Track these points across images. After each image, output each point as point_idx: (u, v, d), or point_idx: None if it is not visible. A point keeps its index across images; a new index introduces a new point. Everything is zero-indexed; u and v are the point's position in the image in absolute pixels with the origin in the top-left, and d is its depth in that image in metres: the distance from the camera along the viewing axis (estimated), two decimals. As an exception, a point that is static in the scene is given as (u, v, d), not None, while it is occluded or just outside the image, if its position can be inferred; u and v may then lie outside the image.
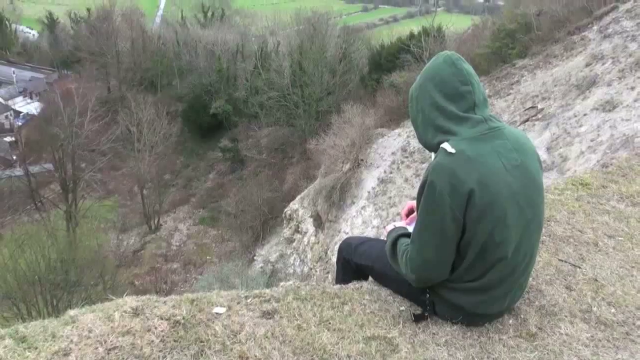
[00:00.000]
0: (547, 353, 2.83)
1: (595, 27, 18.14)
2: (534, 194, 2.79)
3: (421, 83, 2.84)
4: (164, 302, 2.93)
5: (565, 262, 3.63)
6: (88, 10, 62.54)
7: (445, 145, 2.66)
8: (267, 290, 3.17)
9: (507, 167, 2.68)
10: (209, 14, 66.87)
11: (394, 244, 3.00)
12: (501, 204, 2.65)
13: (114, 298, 2.95)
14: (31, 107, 58.82)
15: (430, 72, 2.81)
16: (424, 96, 2.81)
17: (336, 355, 2.69)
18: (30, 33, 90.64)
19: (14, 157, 47.51)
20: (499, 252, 2.71)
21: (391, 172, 21.44)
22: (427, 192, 2.68)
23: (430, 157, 2.84)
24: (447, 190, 2.60)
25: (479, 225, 2.65)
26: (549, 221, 4.14)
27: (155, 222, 38.47)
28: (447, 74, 2.74)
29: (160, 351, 2.54)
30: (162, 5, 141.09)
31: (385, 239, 3.21)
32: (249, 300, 3.03)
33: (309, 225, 25.12)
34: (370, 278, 3.41)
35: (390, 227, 3.19)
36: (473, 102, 2.72)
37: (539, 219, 2.87)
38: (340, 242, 3.63)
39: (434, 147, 2.77)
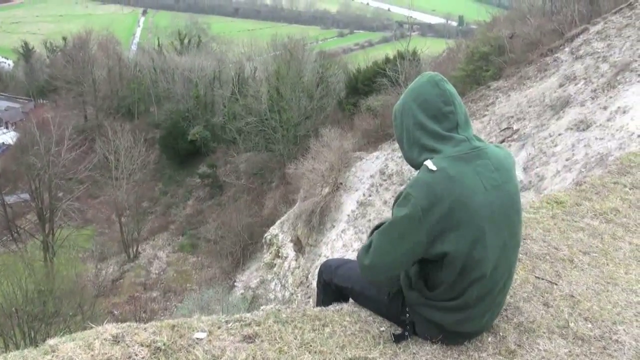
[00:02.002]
0: (526, 369, 2.87)
1: (567, 49, 18.45)
2: (512, 214, 2.83)
3: (405, 102, 2.89)
4: (145, 328, 2.92)
5: (542, 279, 3.68)
6: (64, 39, 62.50)
7: (428, 163, 2.70)
8: (248, 315, 3.17)
9: (487, 187, 2.71)
10: (186, 41, 67.08)
11: (372, 233, 3.00)
12: (480, 223, 2.68)
13: (94, 326, 2.94)
14: (7, 136, 58.34)
15: (414, 92, 2.85)
16: (407, 115, 2.86)
17: (318, 377, 2.69)
18: (5, 63, 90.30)
19: (-10, 188, 46.94)
20: (478, 271, 2.74)
21: (370, 195, 21.50)
22: (401, 201, 2.72)
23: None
24: (422, 205, 2.63)
25: (458, 244, 2.67)
26: (525, 239, 4.20)
27: (134, 250, 38.09)
28: (431, 95, 2.78)
29: (141, 378, 2.53)
30: (138, 33, 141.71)
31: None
32: (229, 325, 3.03)
33: (289, 250, 25.04)
34: (350, 300, 3.42)
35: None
36: (456, 122, 2.78)
37: (516, 238, 2.90)
38: (320, 264, 3.66)
39: (419, 165, 2.80)
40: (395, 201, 2.78)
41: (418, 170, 2.78)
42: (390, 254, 2.77)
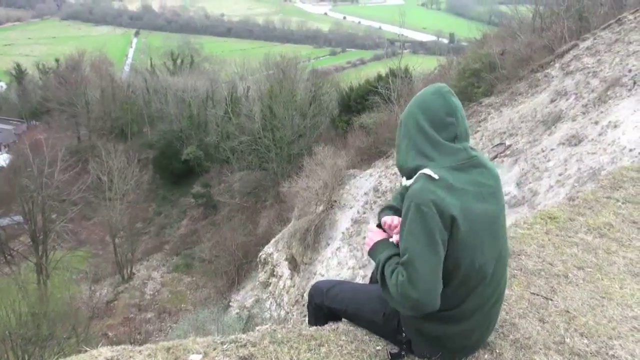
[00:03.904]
0: (523, 386, 2.86)
1: (557, 65, 18.57)
2: (503, 221, 2.91)
3: (410, 109, 2.95)
4: (139, 351, 2.91)
5: (537, 295, 3.69)
6: (57, 60, 62.51)
7: (427, 171, 2.74)
8: (243, 335, 3.16)
9: (485, 195, 2.78)
10: (178, 61, 67.22)
11: (384, 265, 2.88)
12: (479, 231, 2.73)
13: (88, 349, 2.92)
14: (0, 159, 58.13)
15: (420, 100, 2.93)
16: (411, 121, 2.91)
17: (314, 397, 2.68)
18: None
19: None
20: (477, 279, 2.78)
21: (364, 213, 21.48)
22: (413, 215, 2.69)
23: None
24: (433, 211, 2.64)
25: (461, 252, 2.71)
26: (519, 255, 4.21)
27: (128, 271, 37.88)
28: (435, 104, 2.85)
29: (136, 401, 2.52)
30: (130, 54, 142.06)
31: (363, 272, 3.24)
32: (225, 346, 3.02)
33: (284, 269, 24.95)
34: (343, 319, 3.42)
35: (374, 237, 3.09)
36: (455, 134, 2.84)
37: (507, 245, 2.97)
38: (310, 288, 3.64)
39: (410, 171, 2.85)
40: (404, 219, 2.75)
41: (406, 179, 2.82)
42: (432, 277, 2.67)
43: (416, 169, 2.80)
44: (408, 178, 2.85)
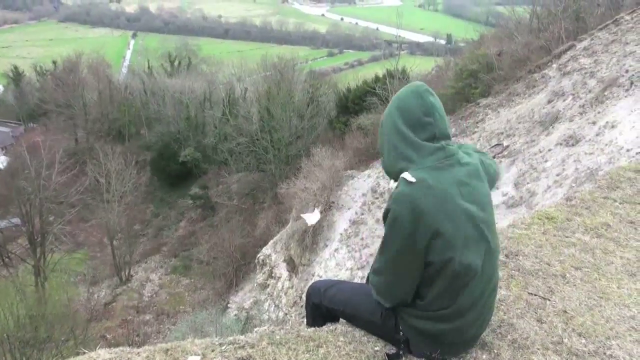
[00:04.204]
0: (521, 386, 2.86)
1: (554, 65, 18.60)
2: (489, 216, 2.89)
3: (389, 110, 2.97)
4: (138, 353, 2.91)
5: (535, 295, 3.69)
6: (54, 62, 62.49)
7: (406, 175, 2.75)
8: (242, 337, 3.16)
9: (464, 193, 2.77)
10: (176, 63, 67.31)
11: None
12: (462, 230, 2.73)
13: (86, 351, 2.92)
14: (-3, 161, 58.10)
15: (397, 100, 2.93)
16: (389, 122, 2.93)
17: (312, 398, 2.68)
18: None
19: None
20: (468, 276, 2.78)
21: (362, 214, 21.48)
22: (389, 220, 2.75)
23: (391, 188, 2.91)
24: (407, 219, 2.67)
25: (446, 252, 2.72)
26: (517, 255, 4.21)
27: (126, 273, 37.84)
28: (412, 105, 2.85)
29: (134, 403, 2.51)
30: (128, 56, 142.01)
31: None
32: (223, 348, 3.02)
33: (282, 270, 24.93)
34: (341, 319, 3.42)
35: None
36: (434, 134, 2.83)
37: (495, 241, 2.93)
38: (308, 287, 3.65)
39: (396, 175, 2.86)
40: (384, 218, 2.82)
41: (396, 183, 2.83)
42: (398, 280, 2.86)
43: (400, 171, 2.82)
44: (395, 180, 2.87)
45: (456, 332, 2.91)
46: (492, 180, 3.13)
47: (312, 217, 21.11)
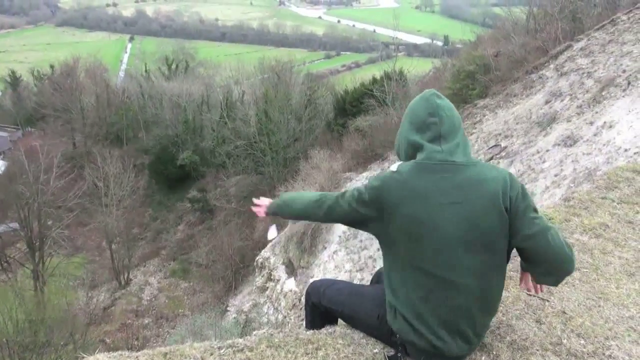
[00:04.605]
0: (521, 388, 2.86)
1: (552, 66, 18.61)
2: (474, 233, 2.77)
3: (402, 120, 3.06)
4: (137, 357, 2.90)
5: (534, 296, 3.69)
6: (51, 67, 62.41)
7: (392, 166, 2.86)
8: (240, 340, 3.15)
9: (443, 201, 2.74)
10: (173, 66, 67.25)
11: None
12: (418, 232, 2.74)
13: (85, 356, 2.91)
14: (-5, 166, 58.01)
15: (410, 105, 3.03)
16: (402, 125, 3.03)
17: (312, 401, 2.67)
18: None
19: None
20: (442, 287, 2.77)
21: (361, 216, 21.47)
22: (362, 185, 2.95)
23: None
24: (372, 192, 2.86)
25: (415, 250, 2.78)
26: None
27: (125, 277, 37.81)
28: (419, 107, 2.93)
29: (133, 407, 2.51)
30: (125, 60, 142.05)
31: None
32: (222, 351, 3.02)
33: (281, 273, 24.93)
34: (340, 321, 3.41)
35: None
36: (439, 133, 2.85)
37: (478, 259, 2.80)
38: (307, 286, 3.65)
39: None
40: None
41: None
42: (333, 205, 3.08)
43: None
44: None
45: (442, 347, 2.84)
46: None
47: (270, 233, 21.66)
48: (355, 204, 2.90)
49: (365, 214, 2.87)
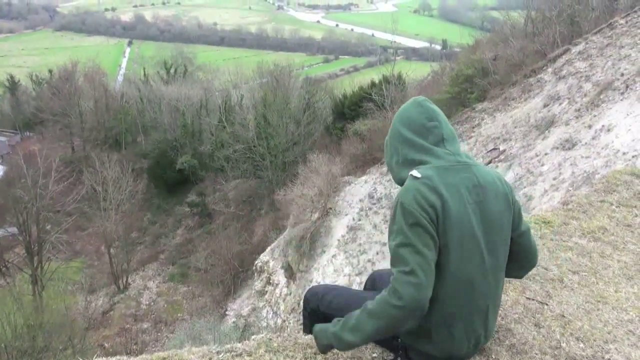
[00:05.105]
0: (520, 391, 2.85)
1: (550, 69, 18.66)
2: (493, 234, 2.81)
3: (392, 127, 3.00)
4: (134, 362, 2.90)
5: (533, 299, 3.69)
6: (50, 71, 62.43)
7: (413, 172, 2.77)
8: (239, 344, 3.14)
9: (469, 200, 2.75)
10: (172, 70, 67.29)
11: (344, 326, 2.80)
12: (460, 235, 2.70)
13: (84, 360, 2.92)
14: (-7, 170, 57.92)
15: (399, 114, 2.98)
16: (395, 136, 2.96)
17: (311, 406, 2.67)
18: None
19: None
20: (455, 283, 2.73)
21: (360, 219, 21.49)
22: (397, 211, 2.70)
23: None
24: (414, 207, 2.64)
25: (443, 253, 2.69)
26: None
27: (124, 281, 37.75)
28: (414, 113, 2.90)
29: (132, 412, 2.50)
30: (124, 64, 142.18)
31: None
32: (220, 356, 3.01)
33: (280, 277, 24.91)
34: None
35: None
36: (441, 136, 2.86)
37: (497, 259, 2.84)
38: (305, 292, 3.62)
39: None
40: (392, 219, 2.76)
41: None
42: (422, 270, 2.59)
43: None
44: None
45: (448, 349, 2.84)
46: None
47: None
48: (430, 242, 2.64)
49: (432, 238, 2.66)
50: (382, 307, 2.63)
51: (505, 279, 3.02)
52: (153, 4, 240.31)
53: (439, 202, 2.66)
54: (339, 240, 21.70)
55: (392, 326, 2.65)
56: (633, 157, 9.63)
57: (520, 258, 3.04)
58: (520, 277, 3.26)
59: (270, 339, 3.19)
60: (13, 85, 70.65)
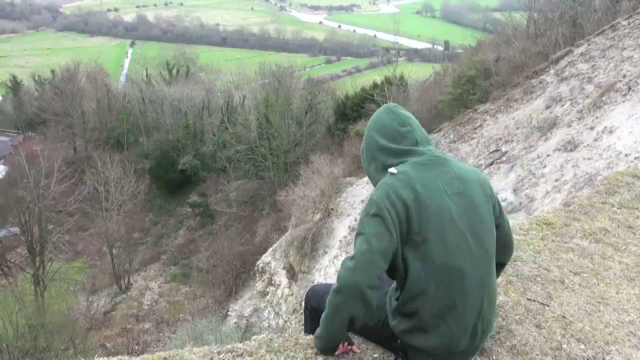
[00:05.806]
0: (521, 392, 2.85)
1: (552, 71, 18.64)
2: (477, 222, 2.84)
3: (367, 135, 3.05)
4: (135, 362, 2.90)
5: (534, 301, 3.69)
6: (52, 71, 62.56)
7: (391, 169, 2.82)
8: (240, 345, 3.14)
9: (448, 192, 2.79)
10: (174, 71, 67.32)
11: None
12: (440, 225, 2.72)
13: (85, 360, 2.91)
14: (-4, 170, 57.96)
15: (372, 122, 3.04)
16: (370, 144, 3.01)
17: (312, 406, 2.67)
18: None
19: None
20: (445, 276, 2.74)
21: (361, 220, 21.47)
22: (367, 204, 2.79)
23: None
24: (382, 199, 2.71)
25: (421, 246, 2.71)
26: (515, 261, 4.21)
27: (126, 281, 37.77)
28: (386, 120, 2.96)
29: (133, 412, 2.51)
30: (126, 65, 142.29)
31: None
32: (221, 356, 3.01)
33: (282, 277, 24.92)
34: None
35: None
36: (415, 140, 2.91)
37: (484, 246, 2.85)
38: (307, 290, 3.63)
39: None
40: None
41: None
42: (370, 252, 2.66)
43: None
44: None
45: (444, 343, 2.83)
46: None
47: None
48: (384, 233, 2.68)
49: (389, 231, 2.69)
50: (330, 295, 2.79)
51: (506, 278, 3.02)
52: (155, 5, 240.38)
53: (412, 197, 2.70)
54: (340, 241, 21.70)
55: (336, 314, 2.82)
56: (635, 158, 9.62)
57: (499, 247, 3.02)
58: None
59: (271, 339, 3.19)
60: (15, 85, 70.74)
